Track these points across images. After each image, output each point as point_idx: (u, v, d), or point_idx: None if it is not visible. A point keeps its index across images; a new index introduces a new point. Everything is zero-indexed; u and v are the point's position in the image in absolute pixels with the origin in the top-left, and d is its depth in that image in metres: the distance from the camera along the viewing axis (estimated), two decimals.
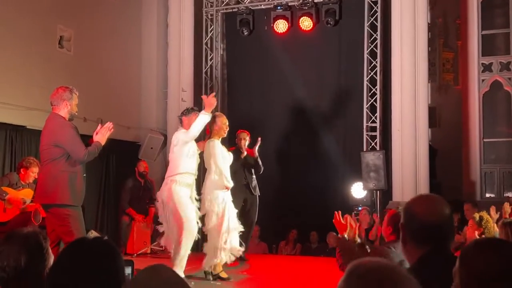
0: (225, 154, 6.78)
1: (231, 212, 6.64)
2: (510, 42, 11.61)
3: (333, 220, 4.47)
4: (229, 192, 6.67)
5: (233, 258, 6.67)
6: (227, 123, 6.82)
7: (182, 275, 6.02)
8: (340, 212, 4.51)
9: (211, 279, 6.52)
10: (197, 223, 6.34)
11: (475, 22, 11.55)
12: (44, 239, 2.36)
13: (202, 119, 6.24)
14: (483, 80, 11.62)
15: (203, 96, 6.72)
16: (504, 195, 10.90)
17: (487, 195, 11.22)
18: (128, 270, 2.08)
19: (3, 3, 8.45)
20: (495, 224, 5.94)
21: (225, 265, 6.99)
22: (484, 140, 11.56)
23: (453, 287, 1.83)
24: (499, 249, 1.82)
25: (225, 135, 6.89)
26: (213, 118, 6.61)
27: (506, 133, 11.55)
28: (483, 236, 5.45)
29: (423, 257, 2.25)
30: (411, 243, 2.35)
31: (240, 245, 7.22)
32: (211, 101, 6.41)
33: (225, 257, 6.52)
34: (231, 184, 6.65)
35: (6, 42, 8.44)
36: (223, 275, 6.55)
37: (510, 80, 11.54)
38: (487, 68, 11.62)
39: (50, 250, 2.36)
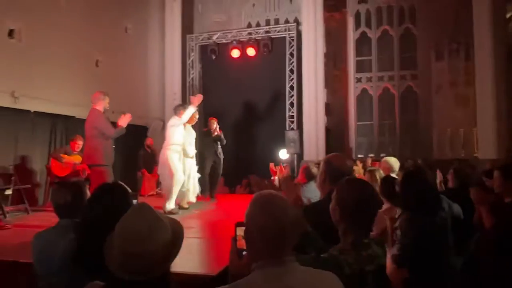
0: (191, 133, 6.57)
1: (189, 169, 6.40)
2: (371, 64, 12.01)
3: (269, 168, 4.60)
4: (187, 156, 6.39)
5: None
6: (197, 116, 6.65)
7: (173, 206, 5.94)
8: (273, 163, 4.66)
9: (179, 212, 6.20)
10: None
11: (352, 52, 11.88)
12: (83, 185, 2.31)
13: (190, 110, 6.04)
14: (356, 87, 12.00)
15: (191, 96, 6.56)
16: (368, 156, 11.39)
17: (359, 155, 11.69)
18: (134, 201, 2.03)
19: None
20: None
21: (202, 200, 6.96)
22: (358, 123, 11.98)
23: (330, 208, 1.78)
24: (356, 185, 1.79)
25: (194, 123, 6.68)
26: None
27: (369, 118, 12.01)
28: None
29: (332, 191, 2.12)
30: (327, 182, 2.26)
31: (206, 189, 7.17)
32: (195, 99, 6.20)
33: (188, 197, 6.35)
34: (189, 153, 6.39)
35: (64, 61, 8.15)
36: (185, 206, 6.38)
37: (372, 87, 11.95)
38: (359, 80, 11.98)
39: (87, 192, 2.28)
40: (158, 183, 8.97)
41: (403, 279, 2.73)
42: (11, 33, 7.37)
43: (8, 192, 6.34)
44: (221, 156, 7.86)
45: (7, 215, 5.82)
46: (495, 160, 8.54)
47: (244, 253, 1.41)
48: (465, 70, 11.22)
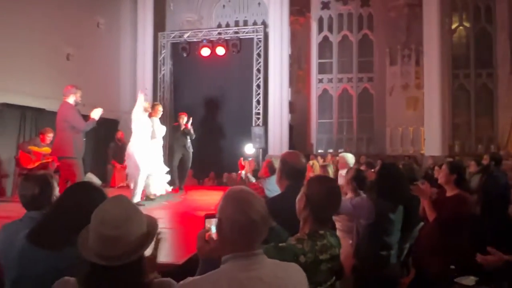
0: (159, 127, 6.31)
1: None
2: (332, 66, 12.27)
3: (238, 163, 4.59)
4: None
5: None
6: (161, 109, 6.41)
7: (139, 198, 5.69)
8: (242, 158, 4.66)
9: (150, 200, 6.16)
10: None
11: (315, 55, 12.08)
12: (51, 177, 2.15)
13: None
14: (318, 88, 12.22)
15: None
16: (328, 151, 11.63)
17: (319, 151, 11.91)
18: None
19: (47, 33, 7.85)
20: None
21: (171, 191, 6.75)
22: (319, 120, 12.23)
23: (297, 198, 1.80)
24: (326, 181, 1.83)
25: (159, 116, 6.41)
26: (153, 107, 6.26)
27: (329, 116, 12.28)
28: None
29: (289, 186, 2.18)
30: (284, 178, 2.26)
31: (175, 181, 6.90)
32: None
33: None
34: (155, 146, 6.14)
35: (34, 54, 7.87)
36: (151, 197, 6.17)
37: (332, 88, 12.22)
38: (320, 81, 12.22)
39: (55, 184, 2.14)
40: (128, 176, 8.75)
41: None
42: None
43: None
44: (190, 150, 7.64)
45: None
46: (437, 157, 9.01)
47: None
48: (416, 74, 11.72)
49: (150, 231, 1.31)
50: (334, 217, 2.97)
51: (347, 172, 3.64)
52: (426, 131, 10.26)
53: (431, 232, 3.12)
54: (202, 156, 10.18)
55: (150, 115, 6.17)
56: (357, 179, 3.37)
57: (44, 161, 6.60)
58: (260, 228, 1.30)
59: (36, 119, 7.98)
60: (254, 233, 1.29)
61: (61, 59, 8.83)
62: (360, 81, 12.38)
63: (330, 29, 12.45)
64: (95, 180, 8.21)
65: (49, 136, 6.72)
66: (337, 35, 12.46)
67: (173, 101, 11.37)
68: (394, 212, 2.96)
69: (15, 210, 2.32)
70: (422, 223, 3.43)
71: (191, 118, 7.61)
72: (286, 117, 10.40)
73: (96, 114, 5.16)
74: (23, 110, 7.74)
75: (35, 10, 7.97)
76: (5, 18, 7.32)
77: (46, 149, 6.70)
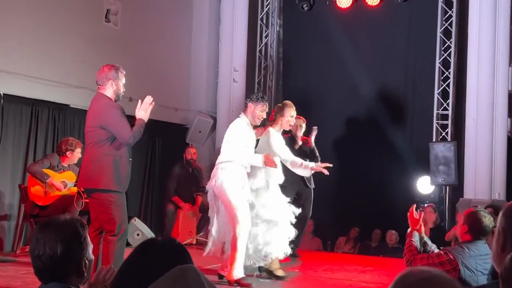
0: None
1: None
2: None
3: (408, 214, 4.46)
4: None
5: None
6: (294, 117, 6.72)
7: (242, 274, 5.96)
8: (415, 205, 4.51)
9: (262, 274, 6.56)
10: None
11: None
12: (82, 227, 2.43)
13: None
14: None
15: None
16: None
17: None
18: None
19: None
20: None
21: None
22: None
23: None
24: None
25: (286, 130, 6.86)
26: (282, 108, 6.58)
27: None
28: None
29: None
30: (509, 249, 2.19)
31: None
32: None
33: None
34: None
35: (50, 16, 8.59)
36: (279, 272, 6.47)
37: None
38: None
39: (88, 239, 2.43)
40: (201, 225, 9.00)
41: None
42: None
43: None
44: (312, 186, 7.81)
45: None
46: None
47: None
48: None
49: None
50: None
51: None
52: None
53: None
54: (330, 197, 10.10)
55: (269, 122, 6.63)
56: None
57: (67, 194, 7.07)
58: None
59: (54, 122, 8.65)
60: None
61: (96, 21, 9.48)
62: None
63: None
64: (145, 230, 8.69)
65: (77, 152, 7.19)
66: None
67: (282, 91, 11.54)
68: None
69: (18, 276, 2.60)
70: None
71: (314, 129, 7.61)
72: (502, 125, 9.79)
73: (144, 110, 5.37)
74: (34, 106, 8.43)
75: None
76: None
77: (69, 174, 7.22)
